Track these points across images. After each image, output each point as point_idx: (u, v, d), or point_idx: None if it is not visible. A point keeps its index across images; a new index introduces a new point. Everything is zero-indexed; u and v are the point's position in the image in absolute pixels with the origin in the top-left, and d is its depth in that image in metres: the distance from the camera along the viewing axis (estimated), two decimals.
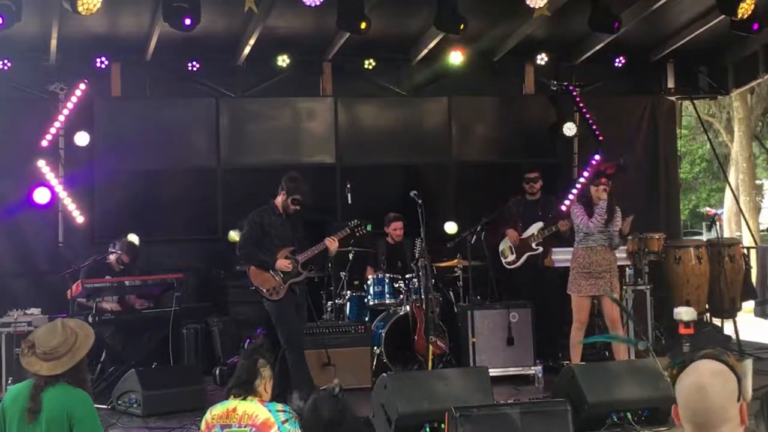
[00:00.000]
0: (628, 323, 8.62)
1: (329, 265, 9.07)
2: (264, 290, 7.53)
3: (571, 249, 8.38)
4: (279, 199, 7.62)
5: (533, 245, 9.43)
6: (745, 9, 8.91)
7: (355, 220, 8.02)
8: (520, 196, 9.70)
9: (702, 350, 2.36)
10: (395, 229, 9.50)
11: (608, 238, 8.09)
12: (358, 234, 8.01)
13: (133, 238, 9.23)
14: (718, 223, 10.54)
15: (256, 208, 7.74)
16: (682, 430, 2.32)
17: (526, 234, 9.51)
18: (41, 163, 9.81)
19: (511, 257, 9.57)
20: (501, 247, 9.66)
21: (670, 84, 11.94)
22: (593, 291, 8.04)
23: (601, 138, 11.19)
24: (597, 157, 11.09)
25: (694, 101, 12.78)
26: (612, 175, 8.44)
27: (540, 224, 9.40)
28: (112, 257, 8.86)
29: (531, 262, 9.47)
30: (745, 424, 2.27)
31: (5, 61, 9.74)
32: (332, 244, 7.69)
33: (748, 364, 2.33)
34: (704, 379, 2.26)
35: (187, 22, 8.07)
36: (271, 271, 7.52)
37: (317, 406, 3.34)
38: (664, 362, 2.40)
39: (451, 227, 10.21)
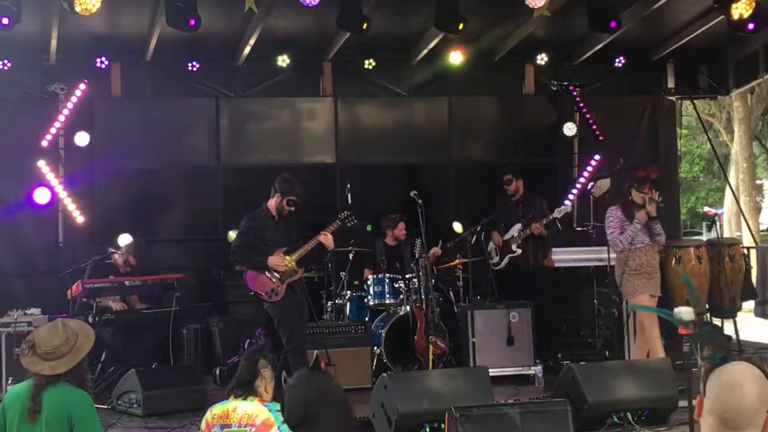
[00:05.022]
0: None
1: (329, 265, 9.07)
2: (263, 293, 7.51)
3: (572, 249, 8.34)
4: (272, 202, 7.60)
5: (513, 247, 9.43)
6: (742, 9, 8.90)
7: (345, 212, 8.01)
8: (506, 196, 9.70)
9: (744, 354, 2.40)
10: (401, 230, 9.48)
11: (649, 236, 7.82)
12: (349, 224, 7.98)
13: (126, 238, 9.13)
14: (718, 223, 10.53)
15: (257, 207, 7.74)
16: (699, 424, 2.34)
17: (507, 236, 9.52)
18: (41, 163, 9.81)
19: (496, 258, 9.61)
20: (488, 249, 9.68)
21: (670, 84, 11.92)
22: (654, 290, 7.79)
23: (601, 138, 11.18)
24: (597, 157, 11.09)
25: (694, 101, 12.77)
26: (656, 179, 8.05)
27: (519, 226, 9.40)
28: (118, 258, 8.85)
29: (514, 262, 9.46)
30: None
31: (5, 61, 9.73)
32: (326, 238, 7.67)
33: None
34: (745, 380, 2.29)
35: (192, 23, 8.05)
36: (267, 273, 7.50)
37: (295, 384, 3.27)
38: (704, 352, 2.41)
39: (458, 227, 10.20)
